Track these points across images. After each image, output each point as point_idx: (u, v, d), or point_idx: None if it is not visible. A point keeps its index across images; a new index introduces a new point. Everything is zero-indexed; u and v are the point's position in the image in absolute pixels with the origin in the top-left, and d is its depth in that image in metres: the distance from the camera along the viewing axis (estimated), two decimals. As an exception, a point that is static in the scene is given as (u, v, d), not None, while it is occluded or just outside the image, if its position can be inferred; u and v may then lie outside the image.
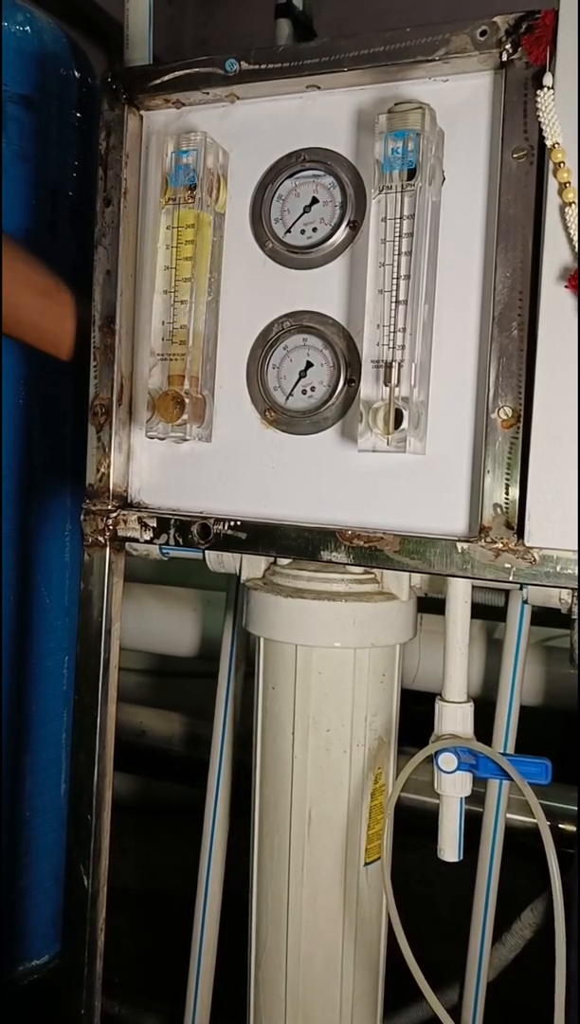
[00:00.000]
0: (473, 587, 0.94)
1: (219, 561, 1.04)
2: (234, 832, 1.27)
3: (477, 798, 1.30)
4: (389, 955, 1.02)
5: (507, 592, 1.21)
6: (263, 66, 0.76)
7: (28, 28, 1.13)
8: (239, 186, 0.82)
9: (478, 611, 1.42)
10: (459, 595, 0.94)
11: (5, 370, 1.17)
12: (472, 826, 1.26)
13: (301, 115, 0.79)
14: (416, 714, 1.09)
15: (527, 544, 0.68)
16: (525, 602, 1.04)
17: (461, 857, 0.96)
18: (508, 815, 1.25)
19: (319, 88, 0.79)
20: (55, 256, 1.18)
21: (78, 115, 1.17)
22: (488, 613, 1.42)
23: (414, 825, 1.21)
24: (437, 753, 0.90)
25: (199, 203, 0.78)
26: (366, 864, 1.02)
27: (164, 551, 1.06)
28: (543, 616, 1.25)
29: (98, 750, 0.85)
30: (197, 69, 0.79)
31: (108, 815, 0.88)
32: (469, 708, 0.94)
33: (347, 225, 0.77)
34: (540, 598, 0.93)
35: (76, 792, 0.86)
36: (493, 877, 1.25)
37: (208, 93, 0.80)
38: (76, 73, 1.17)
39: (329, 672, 0.96)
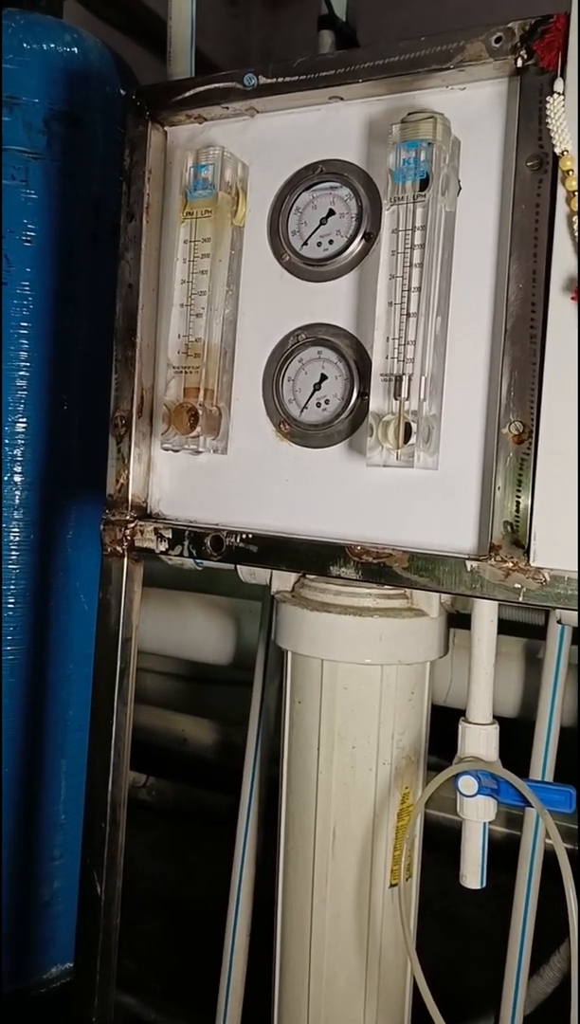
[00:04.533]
0: (511, 605, 0.92)
1: (251, 573, 1.04)
2: (269, 842, 1.27)
3: (517, 821, 1.26)
4: (429, 980, 0.99)
5: (547, 611, 1.17)
6: (280, 80, 0.76)
7: (75, 49, 1.16)
8: (258, 199, 0.82)
9: (520, 630, 1.38)
10: (485, 614, 0.92)
11: (49, 379, 1.20)
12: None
13: (320, 127, 0.79)
14: (451, 731, 1.06)
15: (532, 564, 0.66)
16: (559, 622, 1.01)
17: (484, 884, 0.93)
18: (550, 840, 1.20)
19: (342, 99, 0.78)
20: (97, 268, 1.21)
21: (122, 131, 1.19)
22: (532, 632, 1.38)
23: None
24: (457, 776, 0.88)
25: (216, 217, 0.78)
26: (392, 885, 1.00)
27: (198, 562, 1.06)
28: (587, 636, 1.21)
29: (113, 758, 0.86)
30: (217, 84, 0.79)
31: (123, 822, 0.88)
32: (494, 730, 0.92)
33: (362, 237, 0.76)
34: (572, 618, 0.90)
35: (91, 799, 0.87)
36: (530, 905, 1.21)
37: (228, 108, 0.81)
38: (121, 91, 1.19)
39: (355, 688, 0.95)
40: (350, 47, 1.17)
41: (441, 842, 1.07)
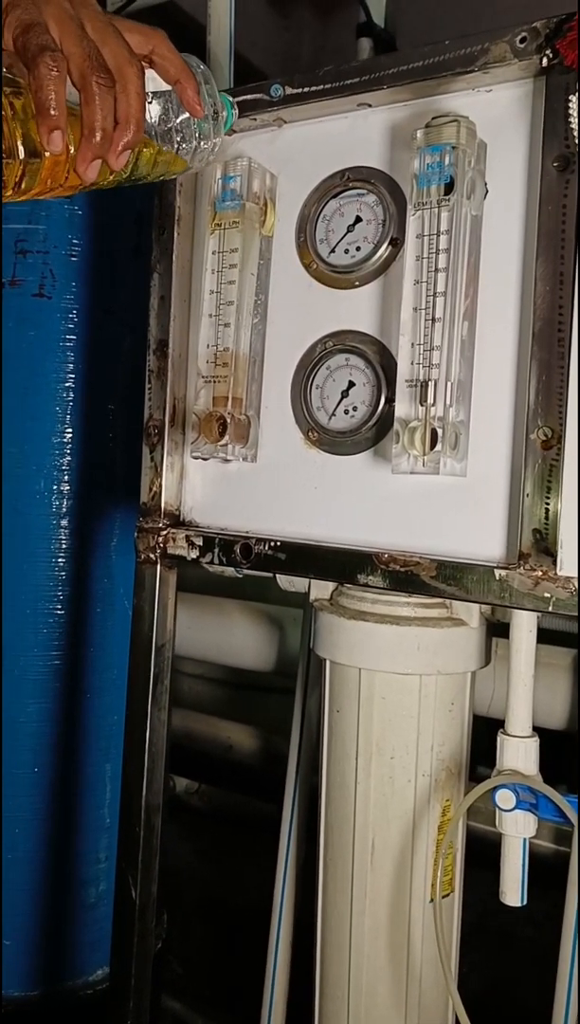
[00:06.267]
0: (548, 614, 0.90)
1: (289, 581, 1.04)
2: (313, 851, 1.26)
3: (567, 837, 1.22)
4: (479, 1000, 0.97)
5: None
6: (306, 89, 0.77)
7: (118, 66, 1.19)
8: (286, 208, 0.82)
9: (571, 640, 1.35)
10: (523, 624, 0.90)
11: (93, 390, 1.23)
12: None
13: (348, 134, 0.79)
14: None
15: (560, 573, 0.64)
16: (601, 633, 0.98)
17: (525, 902, 0.91)
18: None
19: (370, 106, 0.78)
20: (139, 280, 1.23)
21: (165, 146, 1.21)
22: (583, 642, 1.34)
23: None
24: (494, 790, 0.86)
25: (244, 227, 0.79)
26: (432, 900, 0.98)
27: (238, 569, 1.07)
28: None
29: (148, 763, 0.87)
30: (244, 96, 0.80)
31: (158, 828, 0.89)
32: (533, 743, 0.89)
33: (389, 243, 0.76)
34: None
35: (126, 805, 0.88)
36: (580, 925, 1.17)
37: (256, 119, 0.81)
38: (163, 106, 1.21)
39: (393, 698, 0.94)
40: (389, 52, 1.17)
41: (498, 858, 1.05)
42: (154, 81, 0.70)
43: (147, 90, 0.67)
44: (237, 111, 0.80)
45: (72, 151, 0.62)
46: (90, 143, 0.61)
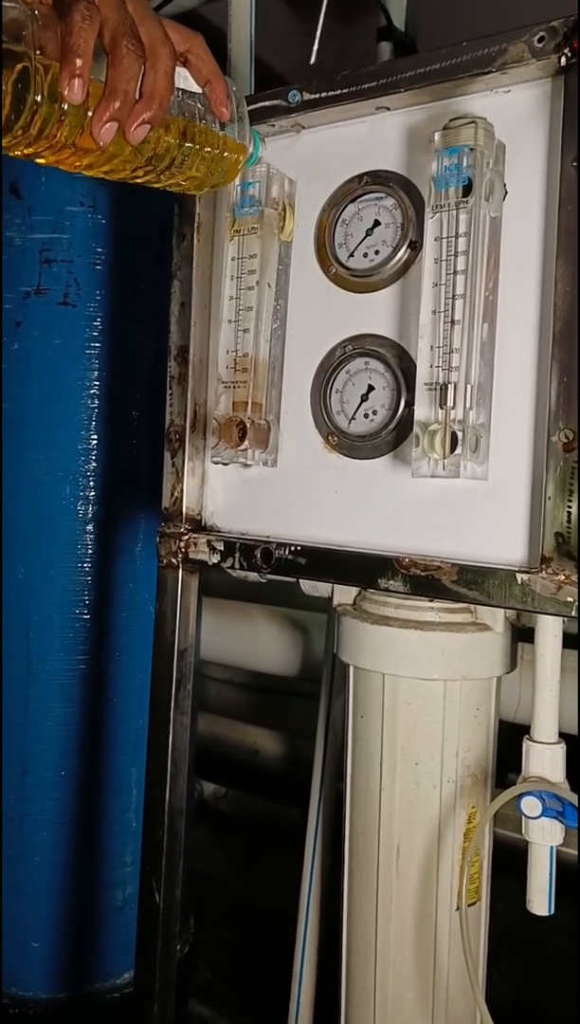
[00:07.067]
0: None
1: (313, 586, 1.03)
2: (339, 856, 1.26)
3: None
4: (508, 1009, 0.95)
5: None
6: (323, 94, 0.77)
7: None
8: (305, 213, 0.82)
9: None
10: (548, 628, 0.88)
11: (118, 397, 1.24)
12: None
13: (365, 139, 0.79)
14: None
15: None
16: (630, 638, 0.96)
17: (552, 911, 0.90)
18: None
19: (388, 109, 0.78)
20: (162, 287, 1.24)
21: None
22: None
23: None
24: (520, 797, 0.85)
25: (263, 233, 0.79)
26: (458, 908, 0.97)
27: (261, 574, 1.07)
28: None
29: (170, 768, 0.87)
30: (262, 103, 0.80)
31: (181, 833, 0.89)
32: (559, 749, 0.88)
33: (408, 246, 0.76)
34: None
35: (149, 809, 0.88)
36: (610, 934, 1.16)
37: (274, 125, 0.81)
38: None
39: (417, 704, 0.93)
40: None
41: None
42: (186, 80, 0.70)
43: (178, 86, 0.66)
44: (265, 146, 0.81)
45: (90, 114, 0.60)
46: (109, 104, 0.59)
